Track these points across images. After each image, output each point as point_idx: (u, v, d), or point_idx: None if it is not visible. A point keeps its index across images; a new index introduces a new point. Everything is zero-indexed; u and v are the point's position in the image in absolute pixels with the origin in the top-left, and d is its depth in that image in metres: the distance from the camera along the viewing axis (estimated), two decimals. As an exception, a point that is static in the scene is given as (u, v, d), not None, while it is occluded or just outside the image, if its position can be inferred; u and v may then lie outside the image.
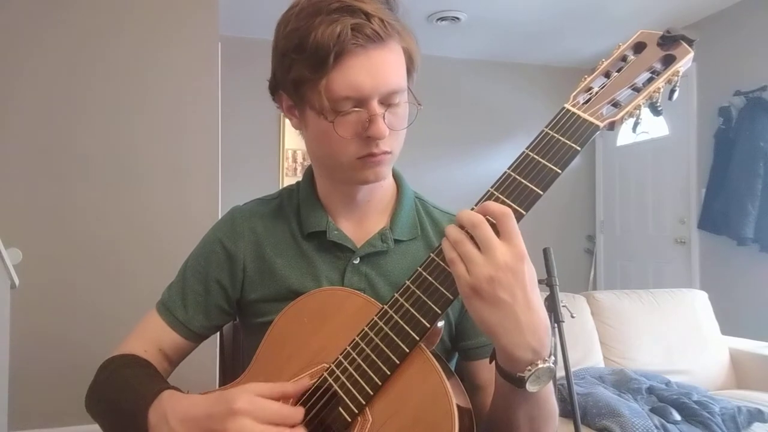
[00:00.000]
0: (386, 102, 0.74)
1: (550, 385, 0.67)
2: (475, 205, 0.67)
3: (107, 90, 2.76)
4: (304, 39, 0.71)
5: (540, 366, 0.62)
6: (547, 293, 1.37)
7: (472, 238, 0.61)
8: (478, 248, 0.61)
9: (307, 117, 0.78)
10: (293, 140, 4.20)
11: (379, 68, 0.72)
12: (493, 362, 0.68)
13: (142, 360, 0.83)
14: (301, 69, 0.73)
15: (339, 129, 0.73)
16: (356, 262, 0.85)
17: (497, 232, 0.61)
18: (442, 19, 3.90)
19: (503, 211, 0.61)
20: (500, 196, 0.65)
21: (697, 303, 2.63)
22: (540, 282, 1.39)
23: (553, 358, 0.64)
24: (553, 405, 0.73)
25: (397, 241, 0.86)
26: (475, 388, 0.86)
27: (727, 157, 3.62)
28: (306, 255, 0.86)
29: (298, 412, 0.67)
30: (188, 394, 0.73)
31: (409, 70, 0.78)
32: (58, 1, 2.71)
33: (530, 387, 0.63)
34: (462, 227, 0.62)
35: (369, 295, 0.75)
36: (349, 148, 0.76)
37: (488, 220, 0.62)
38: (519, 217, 0.64)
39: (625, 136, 4.70)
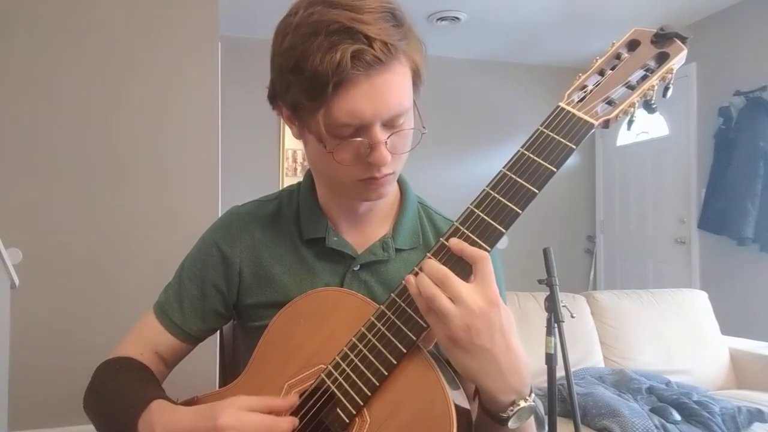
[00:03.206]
0: (389, 125, 0.71)
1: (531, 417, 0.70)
2: (472, 205, 0.67)
3: (107, 90, 2.76)
4: (302, 62, 0.67)
5: (522, 405, 0.64)
6: (547, 293, 1.37)
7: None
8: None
9: (306, 136, 0.76)
10: (293, 140, 4.20)
11: (381, 94, 0.68)
12: (476, 398, 0.69)
13: (137, 363, 0.83)
14: (298, 94, 0.69)
15: (338, 156, 0.71)
16: (356, 269, 0.84)
17: (467, 274, 0.63)
18: (442, 19, 3.90)
19: (480, 254, 0.63)
20: (496, 195, 0.66)
21: (697, 303, 2.63)
22: (540, 282, 1.39)
23: (533, 395, 0.66)
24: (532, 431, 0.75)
25: (398, 250, 0.86)
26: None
27: (727, 157, 3.62)
28: (305, 261, 0.85)
29: (284, 423, 0.66)
30: (177, 405, 0.73)
31: (416, 84, 0.74)
32: (57, 1, 2.71)
33: (512, 425, 0.65)
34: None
35: None
36: (350, 171, 0.73)
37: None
38: (515, 216, 0.65)
39: (625, 136, 4.70)
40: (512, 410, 0.64)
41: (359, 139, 0.70)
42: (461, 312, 0.61)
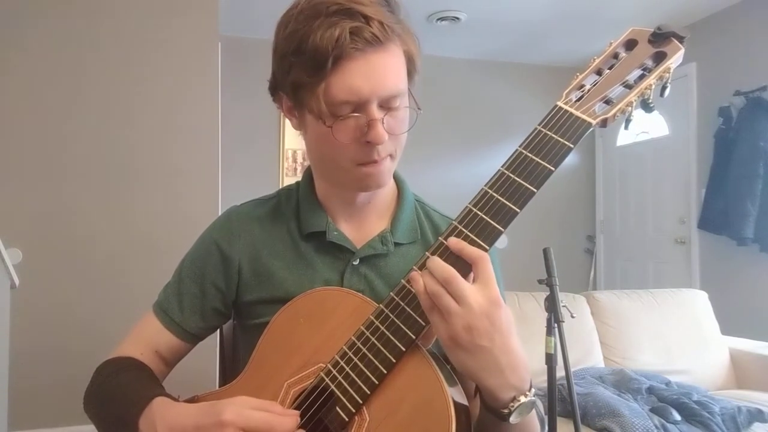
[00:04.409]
0: (386, 106, 0.73)
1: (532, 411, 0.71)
2: (470, 204, 0.67)
3: (107, 90, 2.76)
4: (303, 42, 0.70)
5: (522, 401, 0.66)
6: (547, 293, 1.37)
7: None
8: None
9: (306, 120, 0.78)
10: (293, 140, 4.21)
11: (377, 72, 0.71)
12: (477, 395, 0.70)
13: (137, 363, 0.83)
14: (299, 72, 0.72)
15: (337, 134, 0.73)
16: (356, 263, 0.84)
17: (467, 273, 0.63)
18: (442, 19, 3.90)
19: (479, 254, 0.63)
20: (495, 194, 0.66)
21: (697, 303, 2.62)
22: (540, 282, 1.39)
23: (534, 390, 0.68)
24: (535, 426, 0.75)
25: (397, 244, 0.86)
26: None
27: (727, 157, 3.62)
28: (304, 256, 0.86)
29: (288, 421, 0.67)
30: (179, 401, 0.73)
31: (410, 73, 0.77)
32: (58, 1, 2.71)
33: (513, 420, 0.66)
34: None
35: (368, 297, 0.75)
36: (349, 153, 0.75)
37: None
38: (513, 215, 0.65)
39: (624, 135, 4.70)
40: (513, 406, 0.65)
41: (359, 114, 0.72)
42: (464, 312, 0.61)
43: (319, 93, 0.71)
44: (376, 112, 0.72)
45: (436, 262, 0.64)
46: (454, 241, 0.65)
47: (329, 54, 0.69)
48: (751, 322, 3.38)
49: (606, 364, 2.37)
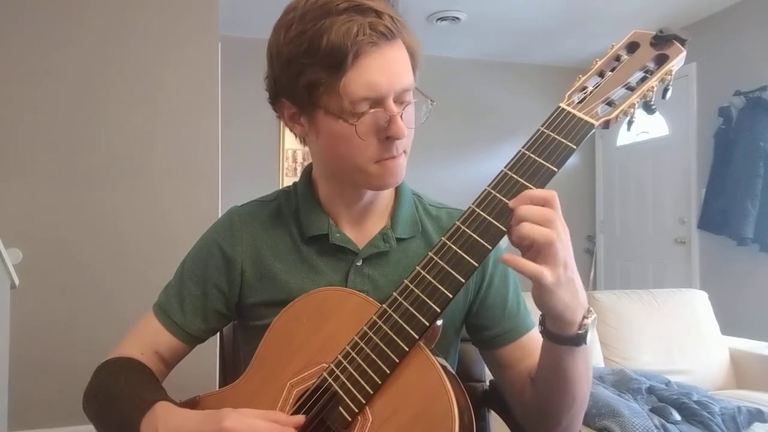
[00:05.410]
0: (399, 100, 0.74)
1: None
2: (473, 204, 0.67)
3: (106, 90, 2.76)
4: (316, 42, 0.69)
5: (591, 317, 0.67)
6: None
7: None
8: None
9: (318, 122, 0.76)
10: (293, 140, 4.17)
11: (392, 66, 0.72)
12: (541, 339, 0.72)
13: (137, 364, 0.83)
14: (316, 72, 0.71)
15: (360, 129, 0.73)
16: (359, 264, 0.84)
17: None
18: (442, 19, 3.90)
19: (552, 193, 0.63)
20: (497, 194, 0.66)
21: (697, 303, 2.63)
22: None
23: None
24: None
25: (398, 240, 0.86)
26: (501, 368, 0.88)
27: (727, 157, 3.62)
28: (307, 259, 0.86)
29: (289, 430, 0.67)
30: (180, 407, 0.73)
31: (413, 67, 0.78)
32: (57, 1, 2.71)
33: (589, 337, 0.68)
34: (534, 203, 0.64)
35: (372, 296, 0.75)
36: (369, 150, 0.75)
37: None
38: (516, 215, 0.65)
39: (625, 136, 4.70)
40: (586, 324, 0.66)
41: (378, 109, 0.72)
42: (563, 244, 0.62)
43: (341, 91, 0.71)
44: (394, 107, 0.73)
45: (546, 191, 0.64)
46: (527, 192, 0.65)
47: (349, 50, 0.69)
48: (751, 322, 3.39)
49: (606, 364, 2.37)
